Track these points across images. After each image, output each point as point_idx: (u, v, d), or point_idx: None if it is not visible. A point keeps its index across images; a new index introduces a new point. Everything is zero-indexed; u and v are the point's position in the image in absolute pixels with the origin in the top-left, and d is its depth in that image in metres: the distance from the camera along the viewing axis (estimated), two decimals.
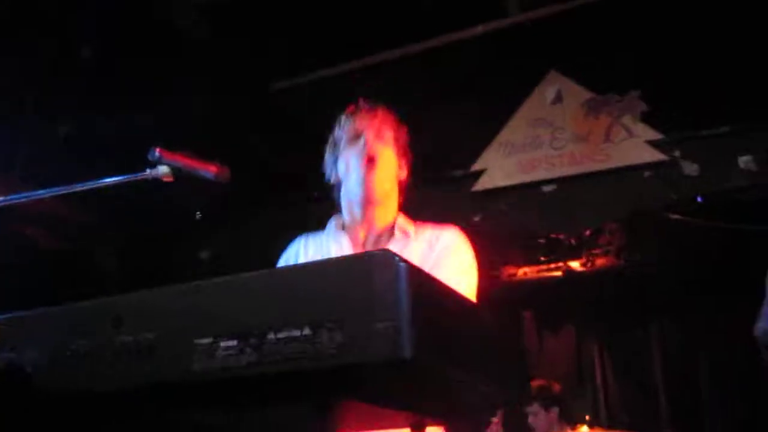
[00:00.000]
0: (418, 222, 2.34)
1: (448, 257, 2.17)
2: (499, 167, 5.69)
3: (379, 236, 2.28)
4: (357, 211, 2.30)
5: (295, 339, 0.89)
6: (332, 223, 2.37)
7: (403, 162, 2.32)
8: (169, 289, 1.03)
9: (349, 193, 2.29)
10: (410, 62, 5.26)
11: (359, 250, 2.24)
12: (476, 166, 5.77)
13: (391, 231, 2.27)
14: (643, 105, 5.39)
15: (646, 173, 5.35)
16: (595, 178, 5.47)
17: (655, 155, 5.30)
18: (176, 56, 4.98)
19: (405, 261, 0.87)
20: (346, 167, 2.28)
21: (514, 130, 5.71)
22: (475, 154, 5.78)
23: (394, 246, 2.16)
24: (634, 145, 5.36)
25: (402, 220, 2.31)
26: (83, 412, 1.10)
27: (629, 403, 6.84)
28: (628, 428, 5.77)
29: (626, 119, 5.40)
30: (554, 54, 5.48)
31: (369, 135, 2.24)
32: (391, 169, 2.26)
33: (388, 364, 0.84)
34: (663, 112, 5.28)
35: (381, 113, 2.31)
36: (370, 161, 2.21)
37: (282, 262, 2.36)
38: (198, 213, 6.04)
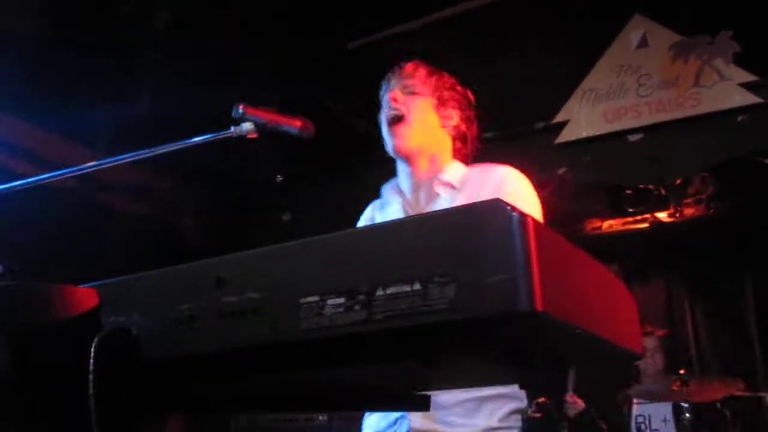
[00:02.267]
0: (472, 165, 2.29)
1: (505, 193, 2.08)
2: (583, 117, 5.54)
3: (425, 192, 2.24)
4: (402, 169, 2.28)
5: (404, 295, 0.86)
6: (386, 190, 2.36)
7: (451, 110, 2.28)
8: (271, 249, 1.01)
9: (389, 151, 2.29)
10: (489, 12, 5.14)
11: (409, 210, 2.22)
12: (559, 117, 5.64)
13: (431, 184, 2.23)
14: (735, 46, 5.14)
15: (740, 117, 5.13)
16: (685, 125, 5.28)
17: (749, 98, 5.07)
18: (251, 18, 4.98)
19: (516, 209, 0.83)
20: (382, 126, 2.29)
21: (598, 77, 5.54)
22: (558, 105, 5.64)
23: (439, 204, 2.13)
24: (727, 89, 5.14)
25: (449, 171, 2.24)
26: (190, 374, 1.11)
27: (723, 353, 6.69)
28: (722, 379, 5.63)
29: (717, 62, 5.17)
30: None
31: (392, 92, 2.24)
32: (423, 122, 2.23)
33: (503, 319, 0.81)
34: (757, 53, 5.03)
35: (410, 67, 2.30)
36: (394, 119, 2.22)
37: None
38: (279, 176, 6.11)
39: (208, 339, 1.00)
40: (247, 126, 1.90)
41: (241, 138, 1.92)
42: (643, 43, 5.43)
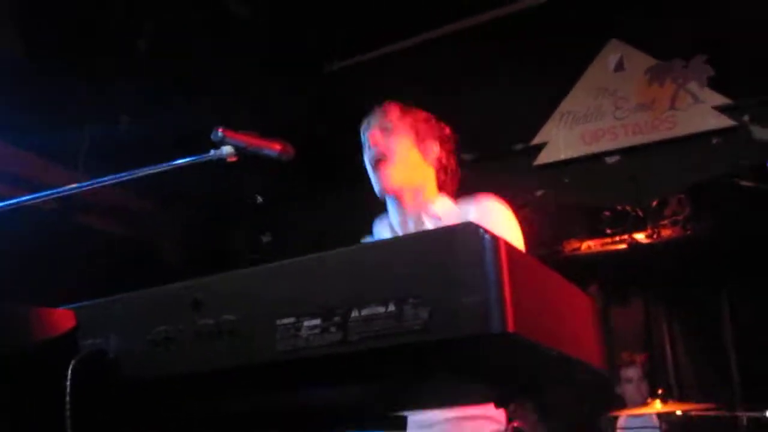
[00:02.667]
0: (459, 198, 2.33)
1: (489, 224, 2.11)
2: (561, 139, 5.60)
3: (413, 225, 2.27)
4: (390, 204, 2.32)
5: (379, 316, 0.87)
6: (379, 221, 2.41)
7: (431, 144, 2.31)
8: (247, 271, 1.02)
9: (377, 192, 2.33)
10: (468, 36, 5.20)
11: None
12: (537, 140, 5.69)
13: (420, 217, 2.26)
14: (709, 69, 5.22)
15: (714, 140, 5.21)
16: (661, 147, 5.35)
17: (723, 121, 5.15)
18: (227, 39, 5.00)
19: (489, 232, 0.85)
20: (368, 169, 2.32)
21: (576, 100, 5.61)
22: (536, 127, 5.70)
23: None
24: (701, 112, 5.22)
25: (438, 204, 2.28)
26: (166, 396, 1.11)
27: (700, 374, 6.72)
28: (701, 401, 5.66)
29: (692, 85, 5.26)
30: (615, 21, 5.36)
31: (372, 135, 2.27)
32: (405, 159, 2.26)
33: (476, 340, 0.82)
34: (730, 77, 5.12)
35: (385, 108, 2.32)
36: (376, 162, 2.25)
37: None
38: (258, 197, 6.10)
39: (184, 361, 1.01)
40: (226, 149, 1.90)
41: (221, 161, 1.92)
42: (620, 66, 5.50)
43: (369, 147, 2.28)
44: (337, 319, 0.89)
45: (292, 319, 0.93)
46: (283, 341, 0.93)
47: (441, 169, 2.33)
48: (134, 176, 1.91)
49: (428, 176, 2.31)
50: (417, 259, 0.87)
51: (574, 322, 1.05)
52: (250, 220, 6.55)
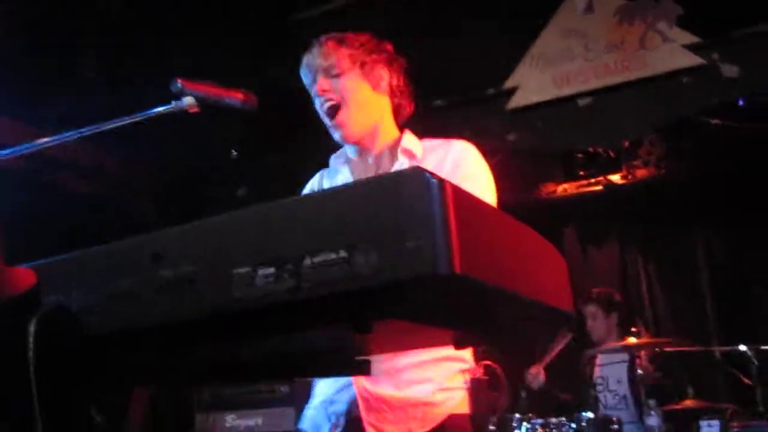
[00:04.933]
0: (425, 138, 2.31)
1: (464, 172, 2.12)
2: (532, 83, 5.60)
3: (378, 162, 2.25)
4: (350, 149, 2.29)
5: (330, 262, 0.88)
6: (333, 160, 2.36)
7: (380, 71, 2.24)
8: (204, 222, 1.03)
9: (336, 139, 2.28)
10: None
11: (361, 175, 2.23)
12: (509, 84, 5.68)
13: (393, 153, 2.24)
14: (678, 8, 5.22)
15: (685, 79, 5.22)
16: (632, 87, 5.36)
17: (693, 59, 5.16)
18: None
19: (435, 176, 0.86)
20: (320, 114, 2.25)
21: (546, 43, 5.59)
22: (507, 71, 5.68)
23: (398, 168, 2.12)
24: (671, 51, 5.23)
25: (408, 140, 2.25)
26: (129, 349, 1.12)
27: (676, 312, 6.84)
28: (675, 336, 5.79)
29: (661, 24, 5.25)
30: None
31: (319, 80, 2.18)
32: (358, 99, 2.20)
33: (423, 282, 0.84)
34: (699, 15, 5.12)
35: (322, 48, 2.22)
36: (331, 110, 2.18)
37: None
38: (233, 151, 6.08)
39: (145, 313, 1.02)
40: (187, 100, 1.90)
41: (183, 112, 1.92)
42: (589, 8, 5.48)
43: (318, 96, 2.21)
44: (290, 266, 0.91)
45: (247, 268, 0.94)
46: (239, 290, 0.94)
47: (394, 94, 2.29)
48: (99, 129, 1.91)
49: (384, 106, 2.27)
50: (366, 206, 0.88)
51: (534, 266, 1.07)
52: (224, 174, 6.53)
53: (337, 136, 2.25)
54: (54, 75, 4.94)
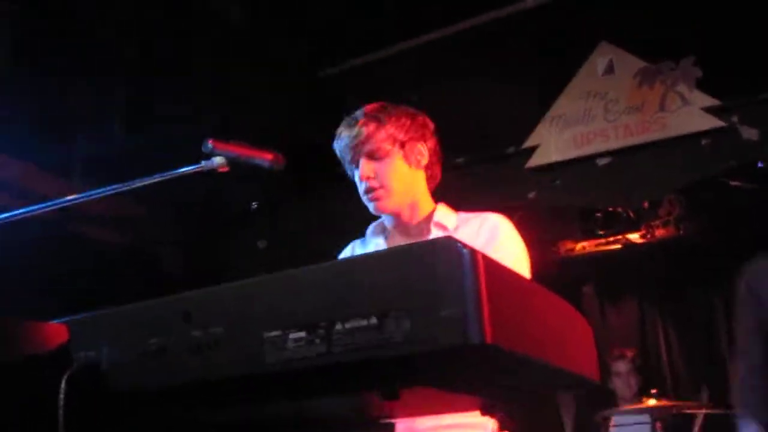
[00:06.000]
0: (460, 211, 2.32)
1: (497, 244, 2.13)
2: (552, 142, 5.63)
3: (415, 236, 2.25)
4: (386, 222, 2.31)
5: (362, 329, 0.89)
6: (370, 230, 2.38)
7: (419, 149, 2.25)
8: (236, 284, 1.04)
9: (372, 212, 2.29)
10: (459, 40, 5.22)
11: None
12: (529, 142, 5.72)
13: (427, 227, 2.25)
14: (698, 71, 5.26)
15: (704, 141, 5.24)
16: (651, 148, 5.38)
17: (712, 122, 5.18)
18: (221, 45, 5.01)
19: (467, 246, 0.87)
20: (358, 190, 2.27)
21: (567, 103, 5.63)
22: (528, 130, 5.72)
23: None
24: (690, 113, 5.25)
25: (442, 213, 2.26)
26: (158, 408, 1.13)
27: (694, 373, 6.75)
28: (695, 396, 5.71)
29: (681, 87, 5.29)
30: (604, 24, 5.39)
31: (363, 164, 2.20)
32: (400, 181, 2.22)
33: (456, 351, 0.85)
34: (719, 78, 5.15)
35: (363, 128, 2.22)
36: (373, 198, 2.20)
37: None
38: (253, 204, 6.13)
39: (175, 372, 1.03)
40: (218, 160, 1.93)
41: (213, 172, 1.95)
42: (609, 69, 5.53)
43: (361, 181, 2.23)
44: (321, 331, 0.92)
45: (278, 332, 0.96)
46: (271, 353, 0.95)
47: (428, 166, 2.30)
48: (130, 188, 1.94)
49: (420, 181, 2.29)
50: (398, 273, 0.90)
51: (562, 335, 1.08)
52: (246, 227, 6.57)
53: (370, 208, 2.26)
54: (80, 122, 5.02)
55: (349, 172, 2.32)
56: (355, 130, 2.23)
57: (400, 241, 2.28)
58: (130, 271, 5.19)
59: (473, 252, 0.87)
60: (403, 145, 2.23)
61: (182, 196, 5.29)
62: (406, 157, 2.24)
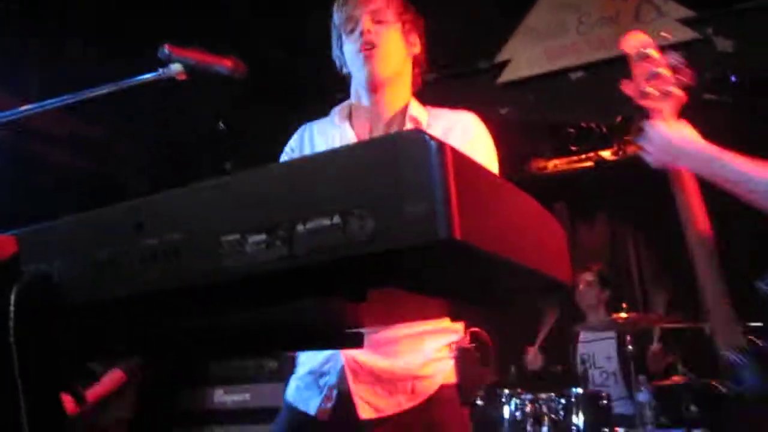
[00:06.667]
0: (432, 107, 2.29)
1: (469, 143, 2.12)
2: (524, 56, 5.54)
3: (388, 125, 2.23)
4: (364, 98, 2.26)
5: (324, 228, 0.84)
6: (336, 113, 2.33)
7: (414, 38, 2.27)
8: (190, 188, 0.98)
9: (355, 81, 2.27)
10: None
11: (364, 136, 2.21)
12: (501, 57, 5.63)
13: (401, 119, 2.22)
14: None
15: (679, 53, 5.17)
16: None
17: (687, 33, 5.11)
18: None
19: (435, 139, 0.82)
20: (349, 56, 2.24)
21: (539, 16, 5.53)
22: (500, 44, 5.62)
23: None
24: (665, 24, 5.17)
25: (415, 106, 2.26)
26: (113, 319, 1.09)
27: (666, 288, 6.85)
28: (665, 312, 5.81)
29: None
30: None
31: (364, 20, 2.19)
32: (395, 50, 2.22)
33: (423, 248, 0.80)
34: None
35: None
36: (368, 48, 2.17)
37: (286, 153, 2.33)
38: (220, 124, 6.01)
39: (128, 283, 0.98)
40: (175, 67, 1.85)
41: (171, 80, 1.87)
42: None
43: (357, 33, 2.20)
44: (282, 233, 0.87)
45: (236, 236, 0.90)
46: (229, 257, 0.90)
47: (416, 62, 2.31)
48: (84, 97, 1.86)
49: (408, 69, 2.29)
50: (363, 169, 0.84)
51: (534, 235, 1.03)
52: (213, 147, 6.46)
53: (362, 74, 2.21)
54: (39, 44, 4.86)
55: (336, 50, 2.30)
56: None
57: (368, 128, 2.24)
58: (93, 197, 5.09)
59: (441, 144, 0.82)
60: (404, 24, 2.24)
61: (146, 117, 5.18)
62: (404, 35, 2.24)
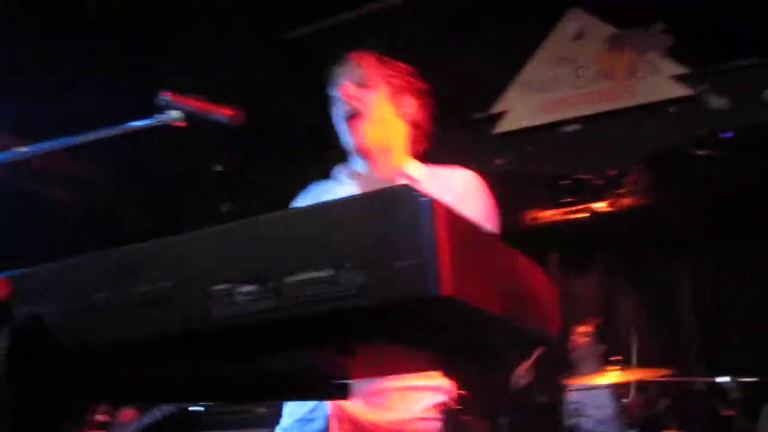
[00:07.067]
0: (431, 165, 2.29)
1: (466, 200, 2.10)
2: (521, 108, 5.60)
3: (375, 184, 2.22)
4: (359, 162, 2.26)
5: (314, 281, 0.85)
6: (341, 172, 2.33)
7: (407, 99, 2.24)
8: (184, 237, 0.99)
9: (346, 146, 2.25)
10: (428, 4, 5.14)
11: None
12: (497, 108, 5.68)
13: (394, 178, 2.21)
14: (667, 39, 5.24)
15: (672, 109, 5.24)
16: (620, 116, 5.37)
17: (681, 90, 5.18)
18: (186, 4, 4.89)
19: (427, 195, 0.83)
20: (337, 121, 2.24)
21: (536, 69, 5.60)
22: (496, 96, 5.68)
23: None
24: (660, 81, 5.24)
25: (412, 166, 2.24)
26: (103, 364, 1.09)
27: (657, 342, 6.84)
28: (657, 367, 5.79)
29: (651, 55, 5.28)
30: None
31: (344, 88, 2.18)
32: (382, 115, 2.19)
33: (411, 304, 0.81)
34: (688, 46, 5.15)
35: (357, 57, 2.23)
36: (353, 116, 2.17)
37: None
38: (218, 166, 6.04)
39: (120, 328, 0.99)
40: (173, 114, 1.86)
41: (167, 126, 1.89)
42: (580, 35, 5.50)
43: (341, 101, 2.20)
44: (271, 284, 0.88)
45: (226, 285, 0.91)
46: (218, 307, 0.91)
47: (414, 126, 2.27)
48: (82, 140, 1.87)
49: (401, 131, 2.25)
50: (355, 223, 0.85)
51: (523, 291, 1.04)
52: (210, 189, 6.48)
53: (348, 143, 2.21)
54: (42, 85, 4.89)
55: (334, 117, 2.27)
56: (352, 60, 2.24)
57: (372, 185, 2.24)
58: (91, 234, 5.09)
59: (432, 201, 0.83)
60: (393, 87, 2.22)
61: (147, 159, 5.21)
62: (391, 98, 2.22)
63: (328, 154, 2.37)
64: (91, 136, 1.81)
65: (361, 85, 2.19)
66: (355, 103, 2.18)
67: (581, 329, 5.77)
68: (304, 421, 2.10)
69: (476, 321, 0.90)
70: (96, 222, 5.69)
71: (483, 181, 2.20)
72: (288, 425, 2.15)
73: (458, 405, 2.06)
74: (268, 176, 6.20)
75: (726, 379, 4.81)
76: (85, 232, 5.08)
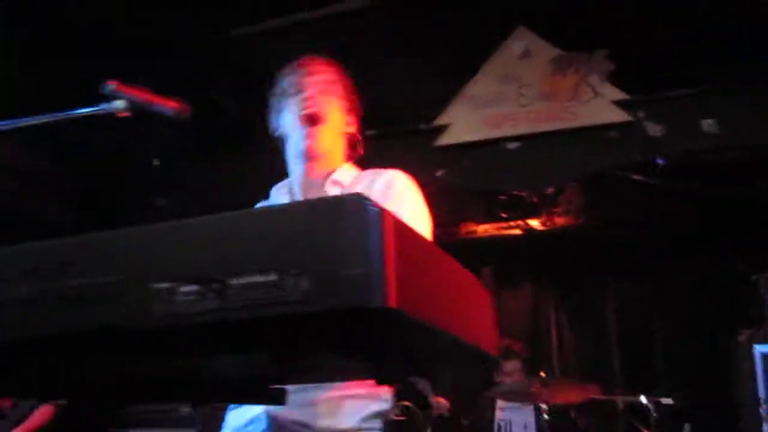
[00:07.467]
0: (363, 169, 2.29)
1: (393, 197, 2.09)
2: (463, 122, 5.64)
3: (316, 191, 2.22)
4: (298, 167, 2.26)
5: (259, 285, 0.83)
6: (277, 187, 2.34)
7: (351, 119, 2.27)
8: (123, 232, 0.96)
9: (293, 149, 2.24)
10: (377, 12, 5.14)
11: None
12: (441, 120, 5.72)
13: (324, 184, 2.21)
14: (610, 64, 5.36)
15: (611, 133, 5.35)
16: (560, 136, 5.45)
17: (620, 115, 5.29)
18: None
19: (376, 205, 0.82)
20: (289, 123, 2.22)
21: (481, 84, 5.65)
22: (440, 108, 5.72)
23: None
24: (600, 105, 5.35)
25: (341, 172, 2.24)
26: (30, 360, 1.05)
27: (583, 359, 6.98)
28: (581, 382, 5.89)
29: (593, 78, 5.38)
30: (523, 9, 5.41)
31: (311, 90, 2.18)
32: (336, 123, 2.21)
33: (356, 313, 0.80)
34: (629, 73, 5.26)
35: (326, 67, 2.24)
36: (311, 118, 2.16)
37: None
38: (155, 160, 5.93)
39: (49, 324, 0.95)
40: (118, 103, 1.82)
41: (111, 116, 1.84)
42: (526, 54, 5.57)
43: (301, 104, 2.18)
44: (215, 285, 0.85)
45: (167, 284, 0.88)
46: (158, 307, 0.88)
47: (352, 143, 2.30)
48: (16, 126, 1.81)
49: (341, 146, 2.27)
50: (301, 228, 0.84)
51: (465, 306, 1.04)
52: (144, 182, 6.36)
53: (300, 145, 2.20)
54: None
55: (282, 118, 2.25)
56: (320, 63, 2.24)
57: (297, 192, 2.24)
58: (13, 223, 4.90)
59: (382, 211, 0.82)
60: (347, 102, 2.24)
61: (78, 147, 5.08)
62: (347, 113, 2.25)
63: (261, 153, 2.35)
64: (31, 121, 1.75)
65: (325, 92, 2.19)
66: (318, 109, 2.17)
67: (509, 366, 5.81)
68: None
69: (418, 334, 0.90)
70: (20, 212, 5.50)
71: (413, 181, 2.19)
72: None
73: (401, 415, 2.05)
74: (201, 172, 6.13)
75: (644, 399, 4.94)
76: (8, 223, 4.88)
